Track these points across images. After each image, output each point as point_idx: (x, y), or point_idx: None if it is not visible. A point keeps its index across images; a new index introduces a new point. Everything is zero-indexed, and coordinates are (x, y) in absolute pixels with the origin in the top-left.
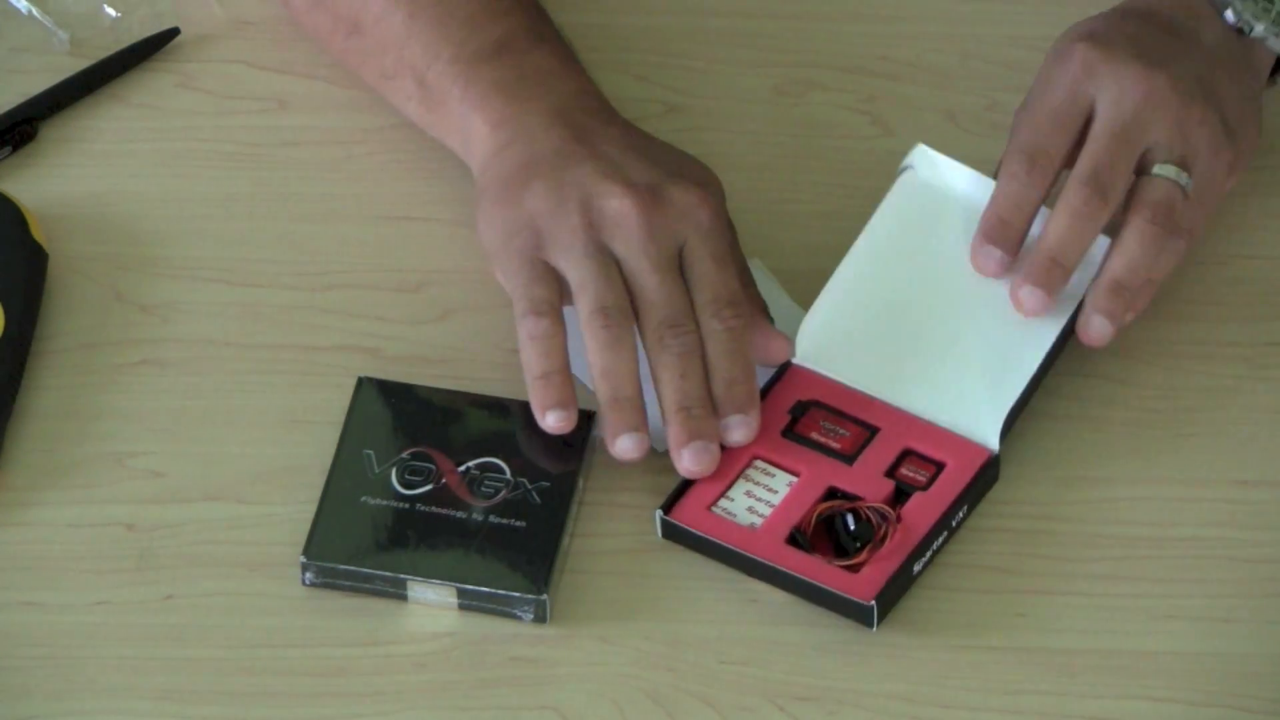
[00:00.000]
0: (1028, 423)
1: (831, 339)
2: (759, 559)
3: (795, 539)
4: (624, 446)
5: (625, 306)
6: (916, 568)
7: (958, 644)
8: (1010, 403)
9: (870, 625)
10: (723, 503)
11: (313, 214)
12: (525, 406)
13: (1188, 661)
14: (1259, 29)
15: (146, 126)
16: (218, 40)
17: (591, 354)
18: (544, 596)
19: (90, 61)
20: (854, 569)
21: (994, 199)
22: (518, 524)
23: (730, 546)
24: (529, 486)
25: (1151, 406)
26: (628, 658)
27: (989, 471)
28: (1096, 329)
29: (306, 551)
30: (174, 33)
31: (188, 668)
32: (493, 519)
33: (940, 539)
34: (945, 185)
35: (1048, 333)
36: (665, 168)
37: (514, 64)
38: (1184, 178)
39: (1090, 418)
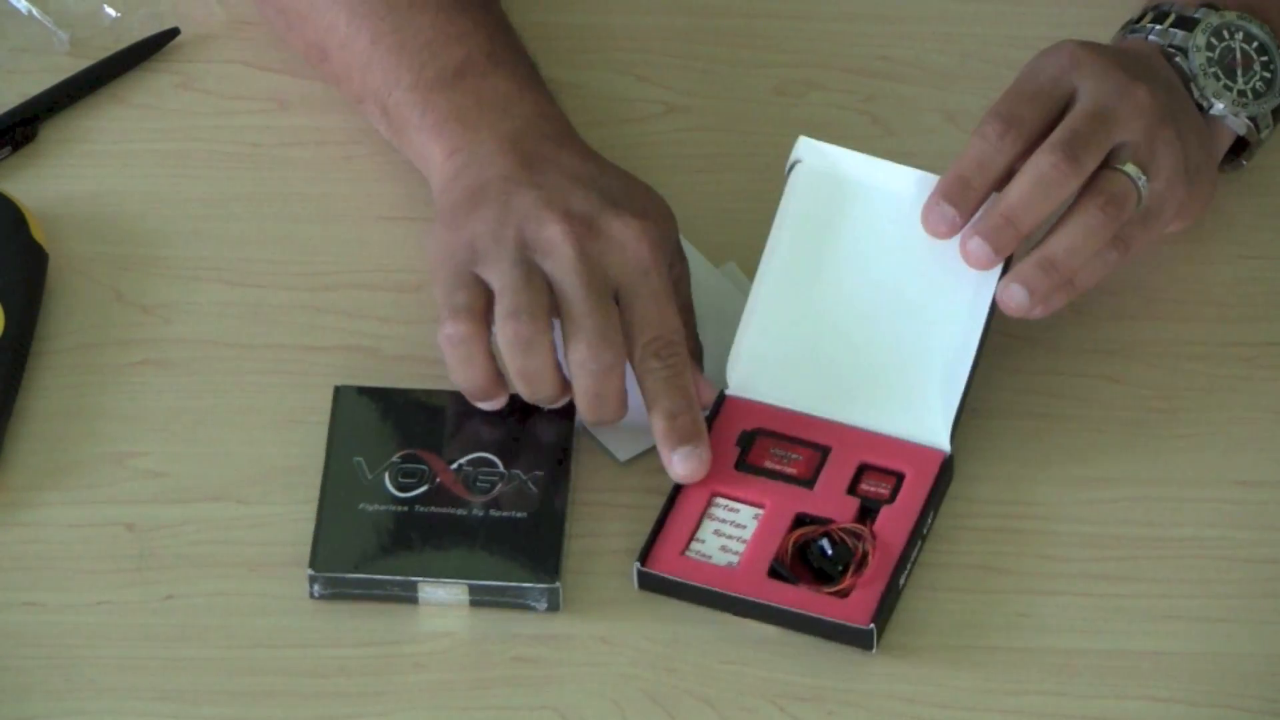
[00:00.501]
0: (1028, 422)
1: (762, 364)
2: (746, 598)
3: (776, 572)
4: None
5: (541, 308)
6: (901, 581)
7: (958, 644)
8: (956, 401)
9: (870, 648)
10: (695, 545)
11: (313, 214)
12: (512, 400)
13: (1188, 661)
14: (1218, 107)
15: (146, 126)
16: (218, 40)
17: (507, 356)
18: (556, 584)
19: (90, 61)
20: (843, 594)
21: (959, 158)
22: (519, 515)
23: (714, 589)
24: (524, 477)
25: (1151, 406)
26: (628, 658)
27: (946, 473)
28: (1014, 296)
29: (313, 564)
30: (174, 33)
31: (188, 668)
32: (494, 513)
33: (916, 549)
34: (839, 174)
35: (976, 317)
36: (609, 197)
37: (471, 89)
38: (1143, 182)
39: (1090, 418)
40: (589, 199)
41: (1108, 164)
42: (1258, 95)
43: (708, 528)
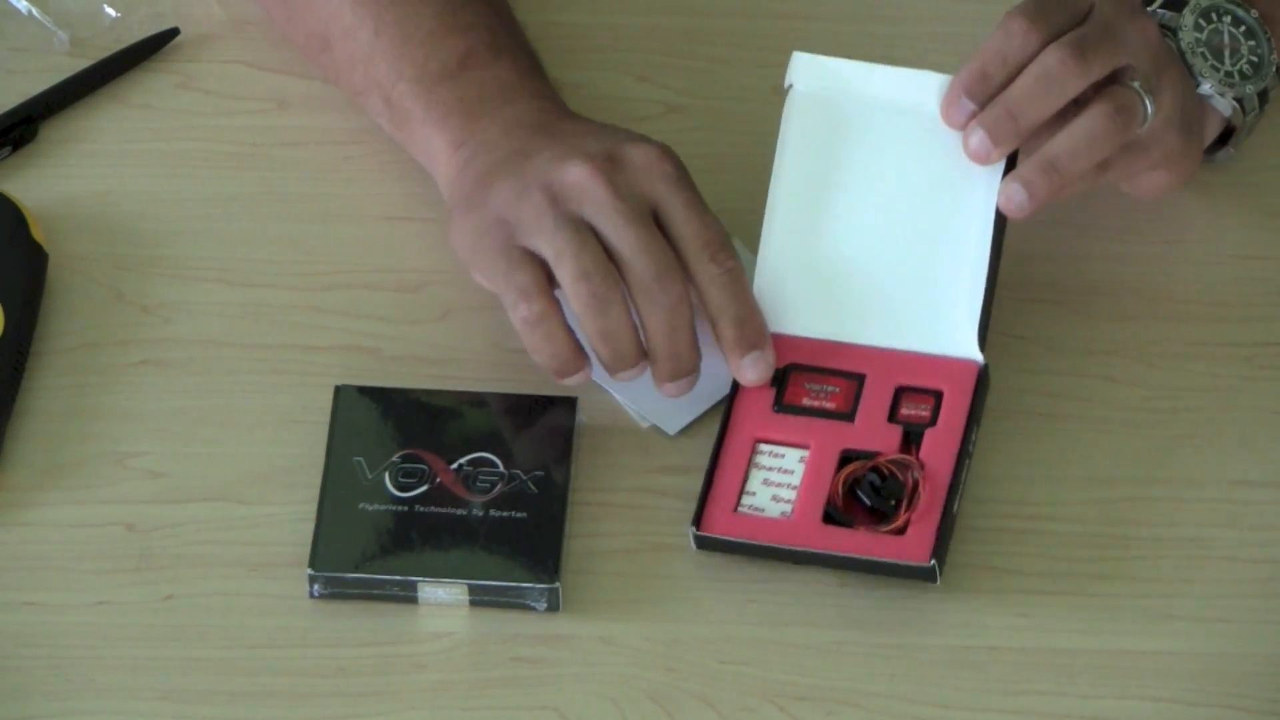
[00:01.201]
0: (1028, 423)
1: (783, 297)
2: (805, 549)
3: (831, 516)
4: (628, 376)
5: (607, 266)
6: (955, 507)
7: (958, 644)
8: (979, 308)
9: (934, 581)
10: (746, 499)
11: (313, 214)
12: (508, 399)
13: (1187, 661)
14: (1205, 86)
15: (146, 126)
16: (218, 40)
17: (584, 321)
18: (556, 584)
19: (90, 61)
20: (900, 531)
21: (981, 50)
22: (519, 515)
23: (772, 545)
24: (524, 477)
25: (1151, 406)
26: (628, 658)
27: (983, 385)
28: (1014, 196)
29: (313, 564)
30: (174, 33)
31: (188, 668)
32: (493, 513)
33: (965, 470)
34: (836, 88)
35: (989, 221)
36: (619, 136)
37: (475, 80)
38: (1149, 103)
39: (1090, 418)
40: (600, 139)
41: (1117, 79)
42: (1245, 77)
43: (756, 478)
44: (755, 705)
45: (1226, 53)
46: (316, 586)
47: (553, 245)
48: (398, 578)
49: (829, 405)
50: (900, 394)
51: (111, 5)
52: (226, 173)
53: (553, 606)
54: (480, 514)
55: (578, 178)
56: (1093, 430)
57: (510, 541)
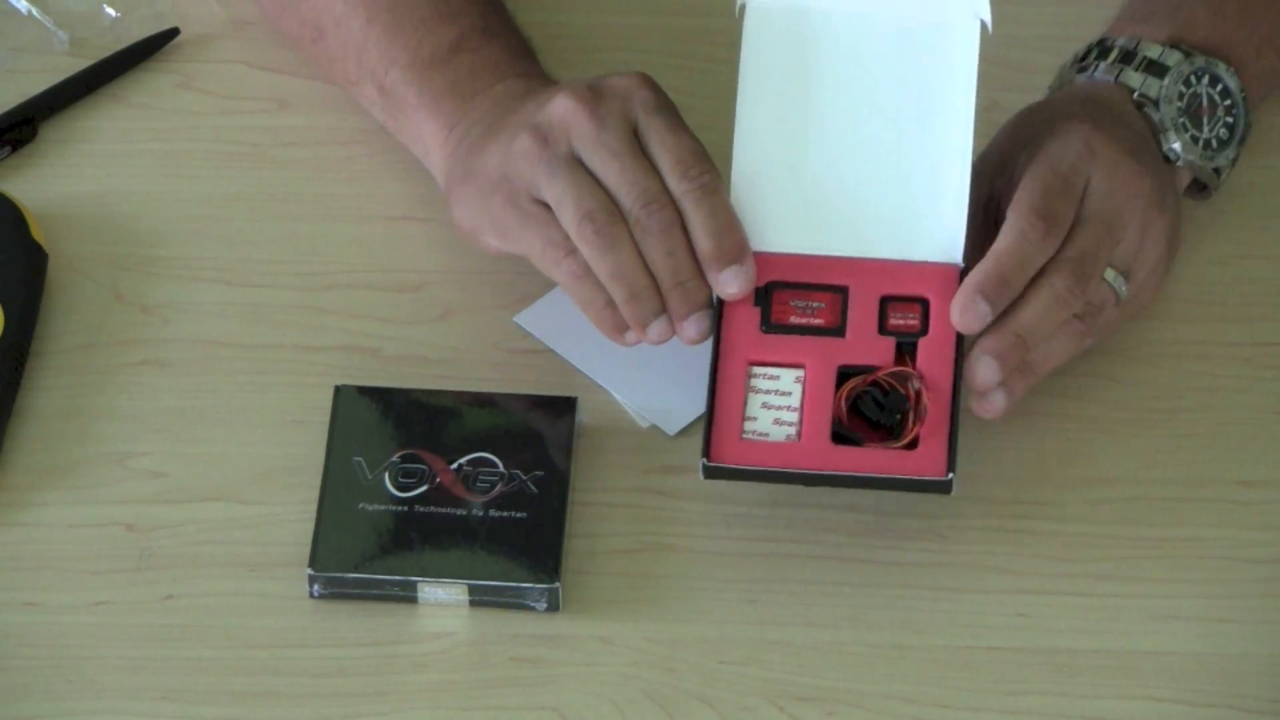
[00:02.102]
0: (1028, 423)
1: (759, 213)
2: (818, 471)
3: (839, 436)
4: (656, 333)
5: (608, 203)
6: (960, 415)
7: (958, 644)
8: (963, 210)
9: (949, 493)
10: (749, 425)
11: (313, 214)
12: (507, 399)
13: (1188, 661)
14: (1185, 159)
15: (146, 126)
16: (218, 40)
17: (593, 262)
18: (556, 584)
19: (90, 61)
20: (911, 446)
21: (999, 254)
22: (519, 515)
23: (784, 469)
24: (524, 477)
25: (1151, 406)
26: (628, 658)
27: None
28: (995, 403)
29: (313, 564)
30: (174, 33)
31: (188, 668)
32: (493, 513)
33: (962, 374)
34: (792, 4)
35: (964, 122)
36: (602, 75)
37: (466, 64)
38: (1121, 285)
39: (1090, 418)
40: (581, 80)
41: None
42: (1221, 144)
43: (754, 402)
44: (755, 705)
45: (1205, 118)
46: (316, 586)
47: (552, 189)
48: (398, 578)
49: (818, 321)
50: (885, 304)
51: (111, 5)
52: (226, 173)
53: (553, 606)
54: (480, 514)
55: (560, 110)
56: (1093, 430)
57: (510, 541)
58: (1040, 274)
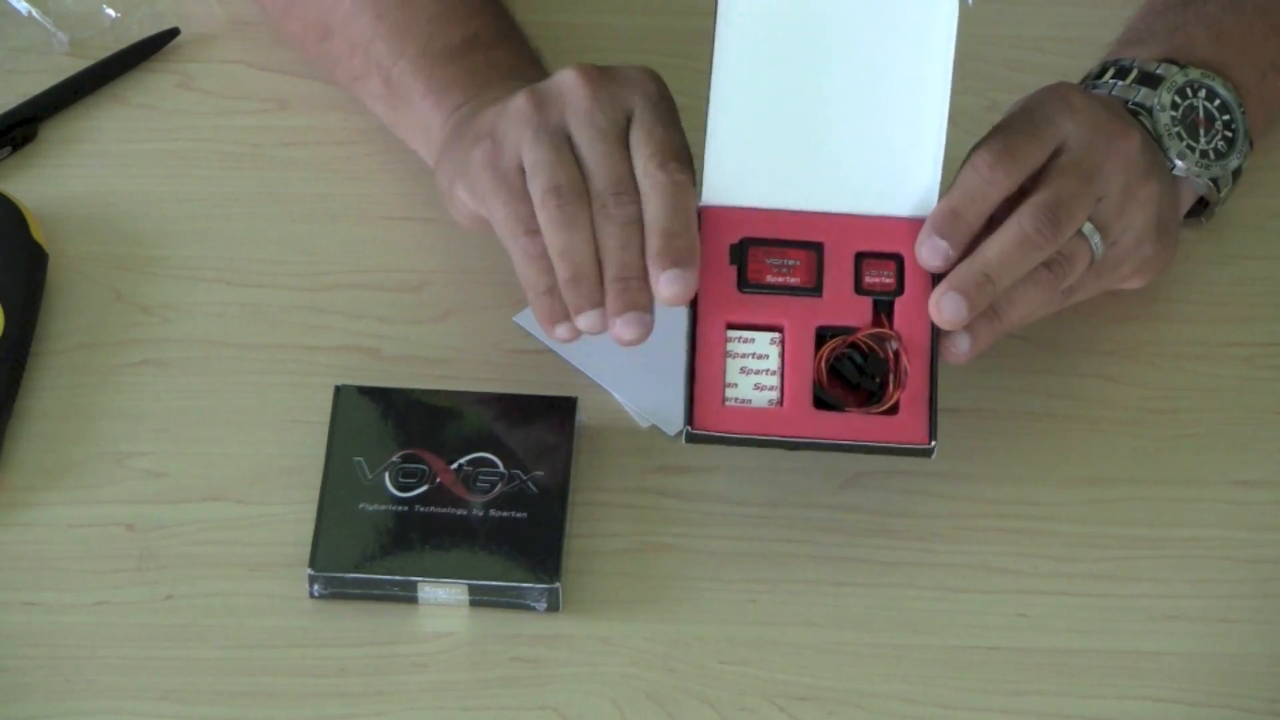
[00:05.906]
0: (1027, 423)
1: (733, 167)
2: (799, 438)
3: (819, 400)
4: (587, 323)
5: (580, 186)
6: (938, 374)
7: (958, 644)
8: (937, 166)
9: (930, 456)
10: (730, 393)
11: (313, 214)
12: (508, 399)
13: (1188, 661)
14: (1180, 167)
15: (146, 126)
16: (218, 40)
17: (547, 235)
18: (556, 584)
19: (90, 62)
20: (892, 410)
21: (952, 190)
22: (519, 515)
23: (764, 436)
24: (524, 478)
25: (1151, 406)
26: (628, 658)
27: None
28: (958, 345)
29: (313, 564)
30: (174, 33)
31: (188, 668)
32: (493, 513)
33: (939, 334)
34: None
35: (940, 77)
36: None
37: (480, 61)
38: (1097, 241)
39: (1090, 418)
40: (595, 64)
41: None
42: (1220, 155)
43: (733, 368)
44: (755, 705)
45: (1202, 130)
46: (316, 586)
47: (531, 155)
48: (398, 578)
49: (794, 280)
50: (860, 260)
51: (111, 5)
52: (226, 173)
53: (553, 606)
54: (480, 514)
55: (564, 81)
56: (1092, 430)
57: (510, 541)
58: (1011, 216)
